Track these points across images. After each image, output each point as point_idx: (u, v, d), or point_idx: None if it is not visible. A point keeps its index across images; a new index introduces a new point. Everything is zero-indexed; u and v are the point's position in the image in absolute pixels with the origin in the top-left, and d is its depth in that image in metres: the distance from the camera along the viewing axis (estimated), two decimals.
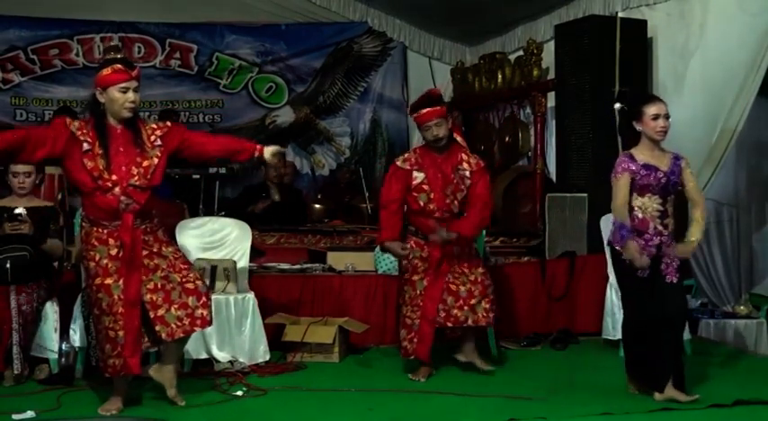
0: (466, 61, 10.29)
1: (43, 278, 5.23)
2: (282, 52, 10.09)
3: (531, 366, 5.57)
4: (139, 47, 9.76)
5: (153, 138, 4.44)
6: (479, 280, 5.30)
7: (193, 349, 5.41)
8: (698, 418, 4.48)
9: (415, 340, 5.26)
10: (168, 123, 4.62)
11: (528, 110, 8.78)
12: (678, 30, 7.05)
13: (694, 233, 4.72)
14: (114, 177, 4.33)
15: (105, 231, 4.39)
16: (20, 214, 5.12)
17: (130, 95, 4.36)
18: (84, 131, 4.35)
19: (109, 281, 4.34)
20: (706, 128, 6.41)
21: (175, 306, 4.39)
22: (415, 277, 5.30)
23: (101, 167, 4.32)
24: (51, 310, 5.26)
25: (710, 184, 6.48)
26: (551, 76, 8.15)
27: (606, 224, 6.33)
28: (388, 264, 6.44)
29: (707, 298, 7.09)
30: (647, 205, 4.67)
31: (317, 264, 6.64)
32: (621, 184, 4.68)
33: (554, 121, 8.05)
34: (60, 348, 5.28)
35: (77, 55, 9.61)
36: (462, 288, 5.26)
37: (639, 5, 7.41)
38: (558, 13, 8.47)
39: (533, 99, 8.53)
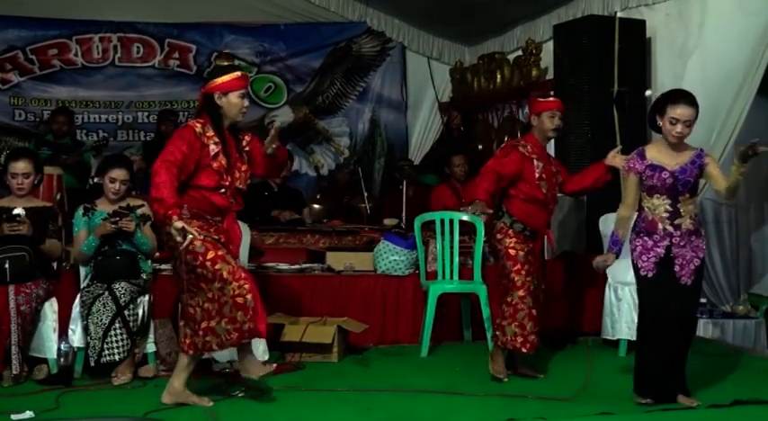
0: (465, 61, 10.31)
1: (42, 278, 5.23)
2: (281, 52, 10.10)
3: (531, 366, 5.56)
4: (138, 47, 9.77)
5: (244, 144, 4.71)
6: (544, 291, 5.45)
7: None
8: (696, 418, 4.49)
9: (536, 331, 5.20)
10: (248, 136, 4.82)
11: (527, 110, 8.78)
12: (677, 30, 7.06)
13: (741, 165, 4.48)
14: (230, 178, 4.57)
15: (205, 225, 4.53)
16: (18, 215, 5.11)
17: (246, 101, 4.66)
18: (208, 134, 4.55)
19: (221, 252, 4.47)
20: (705, 128, 6.40)
21: (225, 319, 4.46)
22: (531, 268, 5.25)
23: (225, 167, 4.55)
24: (50, 310, 5.26)
25: (709, 184, 6.47)
26: (550, 75, 8.16)
27: (605, 224, 6.36)
28: (387, 263, 6.44)
29: (706, 298, 7.09)
30: (657, 206, 4.54)
31: (316, 264, 6.64)
32: (629, 184, 4.69)
33: None
34: (59, 348, 5.28)
35: (76, 55, 9.62)
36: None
37: (638, 5, 7.41)
38: (557, 12, 8.48)
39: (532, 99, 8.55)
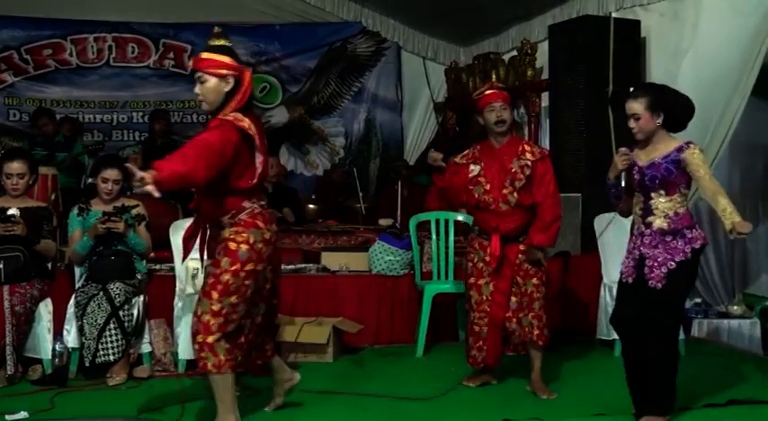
0: (460, 61, 10.31)
1: (37, 278, 5.22)
2: (277, 52, 10.10)
3: (526, 366, 5.56)
4: (133, 47, 9.76)
5: None
6: (529, 291, 5.04)
7: (187, 349, 5.40)
8: (692, 418, 4.49)
9: (485, 348, 5.05)
10: None
11: (522, 110, 8.80)
12: (671, 30, 7.07)
13: (725, 224, 4.08)
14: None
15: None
16: (13, 215, 5.10)
17: (196, 88, 4.09)
18: None
19: (481, 281, 4.91)
20: (699, 128, 6.41)
21: (224, 339, 4.12)
22: (481, 281, 5.07)
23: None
24: (45, 311, 5.25)
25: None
26: (545, 76, 8.16)
27: (600, 224, 6.36)
28: (382, 264, 6.44)
29: (701, 297, 7.10)
30: (635, 203, 4.40)
31: (311, 265, 6.63)
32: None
33: (548, 121, 8.06)
34: (54, 349, 5.28)
35: (71, 55, 9.62)
36: (513, 298, 5.04)
37: (633, 6, 7.42)
38: (552, 13, 8.48)
39: (527, 99, 8.57)
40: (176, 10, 9.63)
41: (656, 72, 7.21)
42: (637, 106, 4.31)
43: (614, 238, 6.36)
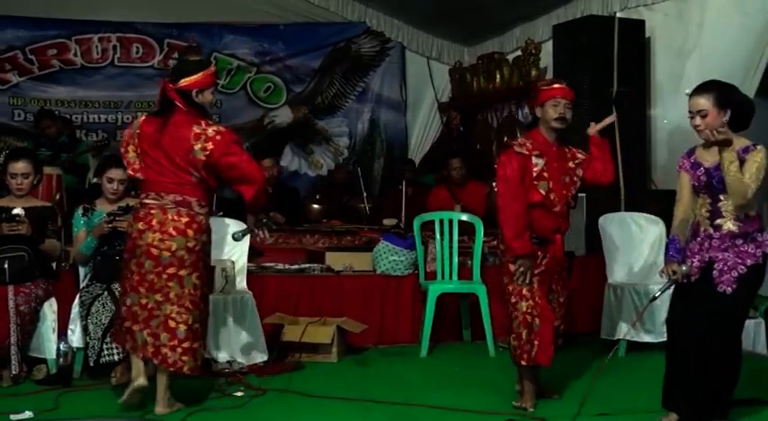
0: (464, 61, 10.32)
1: (41, 278, 5.22)
2: (281, 52, 10.11)
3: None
4: (138, 47, 9.77)
5: None
6: (564, 303, 4.85)
7: None
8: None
9: (536, 343, 4.61)
10: None
11: (526, 110, 8.79)
12: (676, 30, 7.07)
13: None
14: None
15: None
16: (18, 215, 5.10)
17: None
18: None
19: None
20: None
21: (148, 330, 4.44)
22: (526, 281, 4.63)
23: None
24: (49, 311, 5.25)
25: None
26: (549, 76, 8.15)
27: (605, 224, 6.35)
28: (386, 264, 6.43)
29: None
30: (700, 206, 4.17)
31: (316, 265, 6.64)
32: (680, 183, 4.29)
33: None
34: (58, 348, 5.28)
35: (75, 55, 9.63)
36: (552, 305, 4.75)
37: (637, 6, 7.42)
38: (557, 13, 8.49)
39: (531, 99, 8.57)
40: (180, 10, 9.64)
41: (661, 72, 7.21)
42: (703, 102, 4.10)
43: (619, 239, 6.37)
